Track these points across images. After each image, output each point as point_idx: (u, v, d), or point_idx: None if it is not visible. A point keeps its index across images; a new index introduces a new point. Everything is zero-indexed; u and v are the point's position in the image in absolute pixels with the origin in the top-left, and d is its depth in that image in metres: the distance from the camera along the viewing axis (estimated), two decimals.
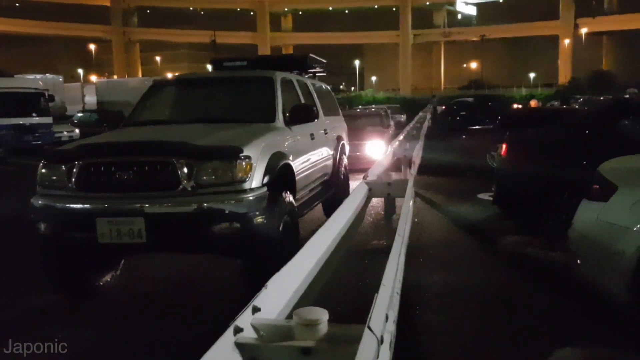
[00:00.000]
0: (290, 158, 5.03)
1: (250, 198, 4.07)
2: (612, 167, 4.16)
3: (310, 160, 5.90)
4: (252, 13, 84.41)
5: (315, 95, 6.94)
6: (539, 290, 4.81)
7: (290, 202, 4.63)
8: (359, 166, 10.67)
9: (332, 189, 6.93)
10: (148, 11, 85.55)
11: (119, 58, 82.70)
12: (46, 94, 20.73)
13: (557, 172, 6.23)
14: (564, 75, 70.23)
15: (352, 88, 78.30)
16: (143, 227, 3.92)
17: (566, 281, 4.88)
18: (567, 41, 73.43)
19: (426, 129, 17.25)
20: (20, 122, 19.23)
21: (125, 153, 4.21)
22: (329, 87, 8.22)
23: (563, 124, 7.18)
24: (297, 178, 5.16)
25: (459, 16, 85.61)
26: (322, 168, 6.57)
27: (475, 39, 75.90)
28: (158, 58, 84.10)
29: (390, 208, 6.12)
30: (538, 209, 6.44)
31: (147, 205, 3.97)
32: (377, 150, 11.89)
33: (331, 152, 7.07)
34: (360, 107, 31.69)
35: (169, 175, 4.01)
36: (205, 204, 3.96)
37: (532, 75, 73.76)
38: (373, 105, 31.28)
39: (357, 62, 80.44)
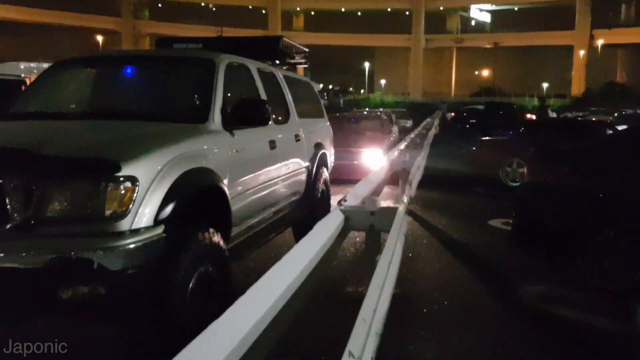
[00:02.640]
0: (225, 178, 3.47)
1: (130, 246, 2.52)
2: None
3: (264, 178, 4.31)
4: (264, 11, 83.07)
5: (287, 91, 5.38)
6: None
7: (213, 245, 3.06)
8: (352, 177, 9.16)
9: (302, 211, 5.37)
10: (159, 5, 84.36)
11: None
12: (27, 82, 19.41)
13: (601, 201, 4.65)
14: (578, 86, 68.26)
15: (362, 90, 76.71)
16: None
17: None
18: (582, 52, 71.47)
19: (432, 137, 15.59)
20: None
21: None
22: (309, 81, 6.62)
23: (612, 141, 5.56)
24: (234, 207, 3.57)
25: (473, 22, 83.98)
26: (288, 186, 4.99)
27: (488, 45, 74.25)
28: None
29: (373, 245, 4.54)
30: (572, 248, 4.88)
31: None
32: (374, 159, 10.33)
33: (304, 164, 5.49)
34: (367, 109, 30.07)
35: None
36: (48, 255, 2.42)
37: (545, 85, 71.81)
38: (381, 109, 29.46)
39: (367, 64, 78.82)
